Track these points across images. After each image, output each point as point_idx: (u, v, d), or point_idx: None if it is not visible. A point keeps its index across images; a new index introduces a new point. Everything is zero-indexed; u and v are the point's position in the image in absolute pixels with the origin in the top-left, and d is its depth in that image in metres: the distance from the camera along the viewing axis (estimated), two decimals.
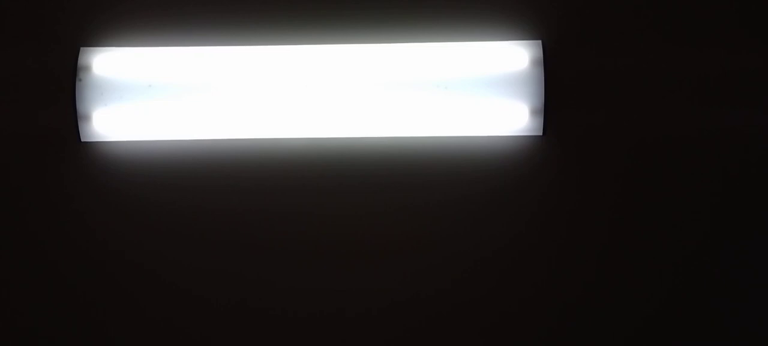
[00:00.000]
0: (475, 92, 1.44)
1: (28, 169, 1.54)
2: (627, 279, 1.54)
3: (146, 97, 1.46)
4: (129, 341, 1.56)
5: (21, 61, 1.53)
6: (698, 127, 1.51)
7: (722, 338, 1.55)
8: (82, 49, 1.48)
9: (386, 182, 1.53)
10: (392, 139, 1.50)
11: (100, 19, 1.52)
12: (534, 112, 1.44)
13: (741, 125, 1.51)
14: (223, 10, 1.52)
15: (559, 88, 1.48)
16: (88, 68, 1.46)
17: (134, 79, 1.47)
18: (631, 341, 1.56)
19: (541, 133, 1.46)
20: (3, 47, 1.54)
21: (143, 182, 1.53)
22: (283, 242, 1.54)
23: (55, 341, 1.56)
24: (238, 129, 1.48)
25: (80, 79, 1.46)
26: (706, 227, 1.53)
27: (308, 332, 1.55)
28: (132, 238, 1.54)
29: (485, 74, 1.45)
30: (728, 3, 1.52)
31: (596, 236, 1.54)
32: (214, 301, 1.55)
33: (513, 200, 1.53)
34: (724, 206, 1.53)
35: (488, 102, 1.45)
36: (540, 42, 1.46)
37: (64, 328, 1.56)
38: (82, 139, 1.48)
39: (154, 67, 1.47)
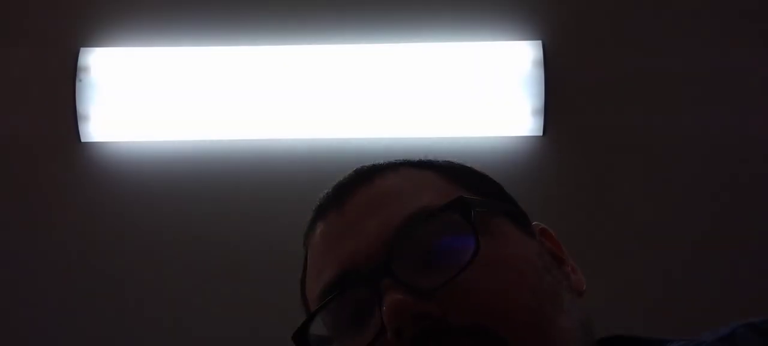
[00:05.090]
0: (475, 92, 1.44)
1: (28, 169, 1.54)
2: (627, 279, 1.54)
3: (146, 97, 1.46)
4: (127, 338, 1.56)
5: (21, 62, 1.53)
6: (699, 126, 1.51)
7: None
8: (82, 49, 1.48)
9: None
10: (392, 139, 1.50)
11: (100, 19, 1.52)
12: (534, 112, 1.44)
13: (740, 125, 1.51)
14: (222, 10, 1.52)
15: (559, 88, 1.48)
16: (88, 68, 1.46)
17: (134, 79, 1.47)
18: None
19: (541, 134, 1.46)
20: (3, 47, 1.54)
21: (143, 182, 1.53)
22: (282, 241, 1.54)
23: (54, 339, 1.56)
24: (238, 129, 1.48)
25: (80, 80, 1.46)
26: (707, 227, 1.53)
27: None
28: (131, 237, 1.54)
29: (485, 74, 1.44)
30: (728, 5, 1.52)
31: (596, 236, 1.54)
32: (214, 300, 1.55)
33: None
34: (724, 206, 1.52)
35: (488, 102, 1.44)
36: (540, 42, 1.46)
37: (64, 326, 1.55)
38: (82, 140, 1.47)
39: (154, 67, 1.47)
